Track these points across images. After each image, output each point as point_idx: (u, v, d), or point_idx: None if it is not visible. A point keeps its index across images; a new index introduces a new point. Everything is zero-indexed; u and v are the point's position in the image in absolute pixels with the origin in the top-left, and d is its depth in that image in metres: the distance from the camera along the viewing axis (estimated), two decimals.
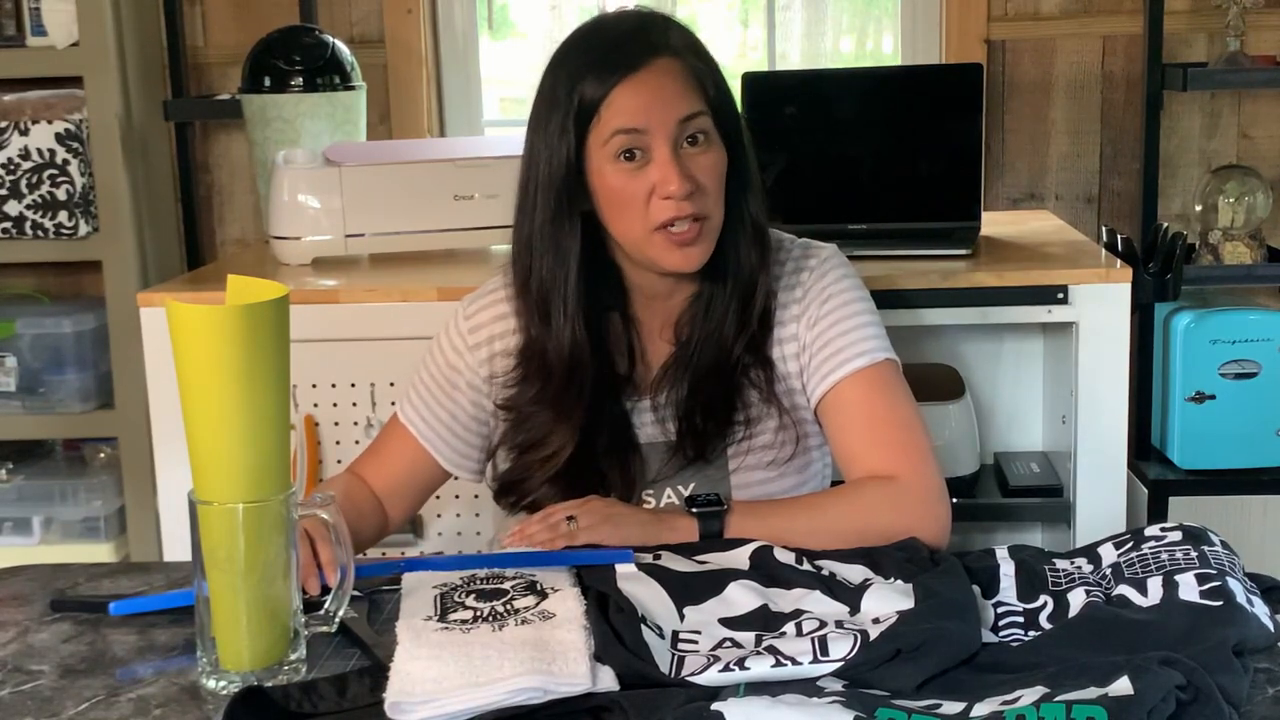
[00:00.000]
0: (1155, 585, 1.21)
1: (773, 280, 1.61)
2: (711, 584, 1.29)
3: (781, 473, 1.60)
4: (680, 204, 1.49)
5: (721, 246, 1.56)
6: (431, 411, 1.67)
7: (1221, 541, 1.29)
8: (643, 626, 1.19)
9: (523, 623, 1.20)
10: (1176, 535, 1.29)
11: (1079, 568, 1.30)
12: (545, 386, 1.58)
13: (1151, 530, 1.31)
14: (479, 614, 1.23)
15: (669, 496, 1.60)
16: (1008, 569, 1.29)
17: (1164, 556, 1.25)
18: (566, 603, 1.24)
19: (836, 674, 1.13)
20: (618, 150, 1.50)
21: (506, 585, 1.30)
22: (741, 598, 1.26)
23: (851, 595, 1.26)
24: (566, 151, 1.51)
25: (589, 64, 1.51)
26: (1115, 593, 1.23)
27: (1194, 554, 1.25)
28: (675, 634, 1.21)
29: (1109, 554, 1.31)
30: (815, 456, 1.65)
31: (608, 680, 1.12)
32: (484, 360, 1.65)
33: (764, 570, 1.31)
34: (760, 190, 1.60)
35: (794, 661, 1.14)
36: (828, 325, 1.60)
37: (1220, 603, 1.17)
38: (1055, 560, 1.32)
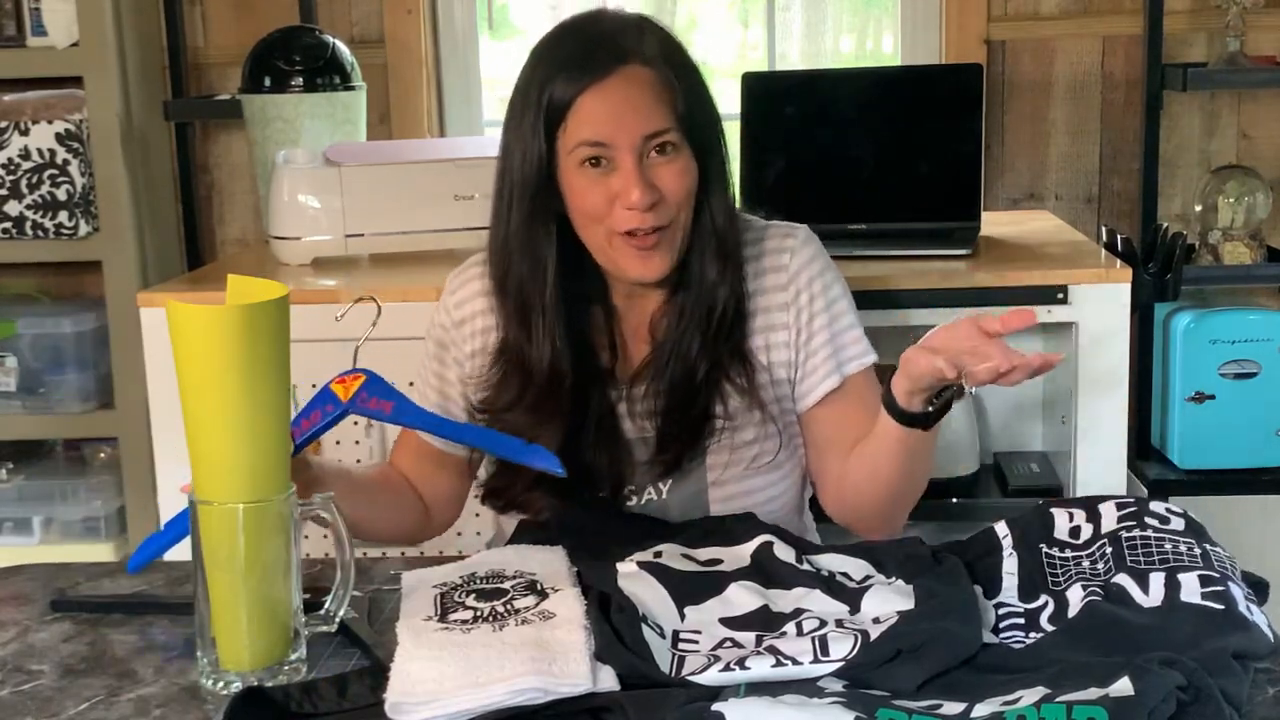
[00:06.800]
0: (1157, 583, 1.21)
1: (745, 262, 1.60)
2: (712, 584, 1.28)
3: (759, 472, 1.60)
4: (643, 215, 1.49)
5: (692, 253, 1.56)
6: (428, 384, 1.70)
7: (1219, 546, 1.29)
8: (643, 626, 1.19)
9: (523, 623, 1.20)
10: (1179, 523, 1.28)
11: (1076, 532, 1.29)
12: (524, 390, 1.57)
13: (1156, 507, 1.30)
14: (479, 614, 1.23)
15: (649, 493, 1.60)
16: (1010, 566, 1.29)
17: (1167, 547, 1.24)
18: (567, 602, 1.24)
19: (837, 674, 1.13)
20: (582, 159, 1.50)
21: (507, 585, 1.30)
22: (741, 598, 1.26)
23: (852, 595, 1.26)
24: (539, 152, 1.51)
25: (560, 65, 1.51)
26: (1114, 580, 1.22)
27: (1197, 551, 1.24)
28: (676, 633, 1.21)
29: (1109, 516, 1.30)
30: (799, 457, 1.66)
31: (608, 680, 1.12)
32: (467, 336, 1.66)
33: (764, 570, 1.31)
34: (731, 200, 1.59)
35: (794, 661, 1.14)
36: (826, 322, 1.61)
37: (1221, 606, 1.17)
38: (1055, 517, 1.31)
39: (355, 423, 2.18)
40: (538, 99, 1.50)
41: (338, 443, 2.19)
